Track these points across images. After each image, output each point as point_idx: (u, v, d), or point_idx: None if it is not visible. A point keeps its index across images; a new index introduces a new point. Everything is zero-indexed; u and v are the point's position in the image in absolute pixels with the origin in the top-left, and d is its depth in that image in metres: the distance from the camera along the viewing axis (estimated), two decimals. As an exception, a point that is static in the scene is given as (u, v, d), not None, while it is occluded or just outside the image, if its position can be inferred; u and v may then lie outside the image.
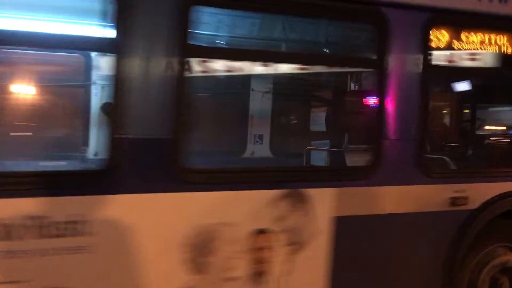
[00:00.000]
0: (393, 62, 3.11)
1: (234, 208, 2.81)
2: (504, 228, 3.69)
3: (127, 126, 2.57)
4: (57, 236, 2.44)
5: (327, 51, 3.98)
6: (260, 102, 4.31)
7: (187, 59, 2.69)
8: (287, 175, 3.03)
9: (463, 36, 3.41)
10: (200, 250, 2.75)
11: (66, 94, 3.92)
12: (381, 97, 3.15)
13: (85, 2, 2.99)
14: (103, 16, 2.69)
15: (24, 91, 3.85)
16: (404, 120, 3.23)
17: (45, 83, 3.89)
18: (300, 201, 2.97)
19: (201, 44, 2.94)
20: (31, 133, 3.86)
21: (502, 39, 3.56)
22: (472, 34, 3.42)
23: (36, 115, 3.89)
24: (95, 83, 3.66)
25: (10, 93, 3.91)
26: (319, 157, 3.56)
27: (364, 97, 3.62)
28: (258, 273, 2.91)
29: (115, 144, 2.55)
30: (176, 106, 2.66)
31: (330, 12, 3.09)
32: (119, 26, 2.55)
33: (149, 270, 2.65)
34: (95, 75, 3.69)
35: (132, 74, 2.58)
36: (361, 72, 4.00)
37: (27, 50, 3.26)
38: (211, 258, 2.77)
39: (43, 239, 2.42)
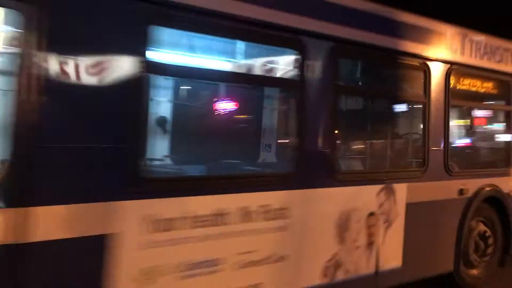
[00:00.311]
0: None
1: (360, 198, 4.11)
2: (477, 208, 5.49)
3: (307, 143, 3.74)
4: (274, 218, 3.50)
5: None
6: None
7: (338, 95, 3.95)
8: (385, 175, 4.43)
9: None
10: (342, 227, 3.98)
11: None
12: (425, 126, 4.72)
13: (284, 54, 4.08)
14: (293, 65, 3.81)
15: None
16: (438, 136, 4.85)
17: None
18: (391, 193, 4.37)
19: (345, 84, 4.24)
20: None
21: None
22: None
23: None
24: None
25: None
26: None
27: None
28: (369, 243, 4.23)
29: (300, 154, 3.68)
30: (334, 127, 3.90)
31: None
32: (302, 71, 3.70)
33: (319, 241, 3.82)
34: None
35: (308, 107, 3.74)
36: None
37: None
38: (347, 233, 4.02)
39: (267, 221, 3.45)
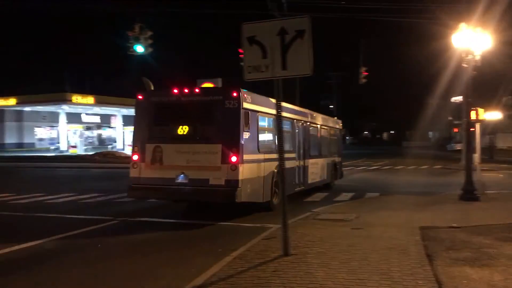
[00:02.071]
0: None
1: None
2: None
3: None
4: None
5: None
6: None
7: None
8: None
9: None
10: (322, 166, 17.33)
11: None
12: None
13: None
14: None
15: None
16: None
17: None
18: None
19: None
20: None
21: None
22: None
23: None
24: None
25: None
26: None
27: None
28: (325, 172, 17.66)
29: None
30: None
31: None
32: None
33: (321, 170, 17.69)
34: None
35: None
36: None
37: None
38: (323, 167, 17.26)
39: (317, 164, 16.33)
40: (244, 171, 10.65)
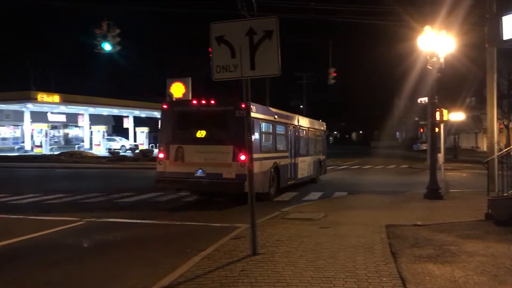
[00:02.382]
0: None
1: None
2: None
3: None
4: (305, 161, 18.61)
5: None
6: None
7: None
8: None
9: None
10: (310, 163, 20.09)
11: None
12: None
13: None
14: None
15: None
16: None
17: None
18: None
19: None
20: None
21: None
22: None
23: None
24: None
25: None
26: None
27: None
28: (311, 168, 20.30)
29: None
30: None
31: None
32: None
33: (308, 166, 20.09)
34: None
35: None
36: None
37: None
38: (310, 165, 19.30)
39: (304, 162, 18.66)
40: None
